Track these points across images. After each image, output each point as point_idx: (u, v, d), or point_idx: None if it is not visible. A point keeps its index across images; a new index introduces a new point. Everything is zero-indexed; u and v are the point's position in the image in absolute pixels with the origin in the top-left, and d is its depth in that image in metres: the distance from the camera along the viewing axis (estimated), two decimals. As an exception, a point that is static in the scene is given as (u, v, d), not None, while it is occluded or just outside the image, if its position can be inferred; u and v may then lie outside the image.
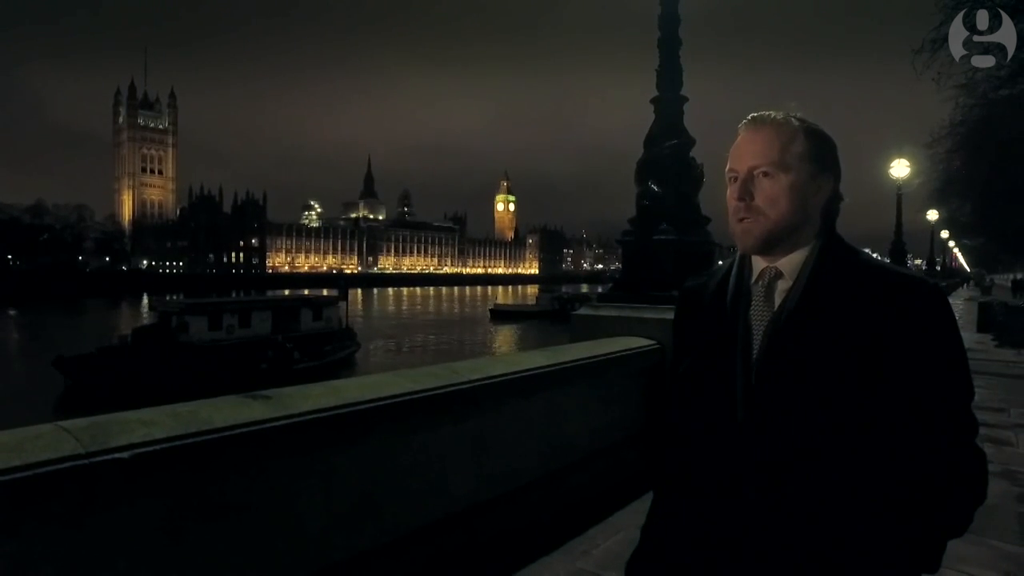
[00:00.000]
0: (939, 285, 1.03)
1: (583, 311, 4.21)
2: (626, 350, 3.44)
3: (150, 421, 1.48)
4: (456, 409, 2.26)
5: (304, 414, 1.71)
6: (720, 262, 1.22)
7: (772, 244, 1.07)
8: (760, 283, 1.08)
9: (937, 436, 0.96)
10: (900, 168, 16.99)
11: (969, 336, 12.47)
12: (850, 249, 1.07)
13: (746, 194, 1.06)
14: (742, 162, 1.06)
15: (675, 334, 1.26)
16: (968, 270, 73.21)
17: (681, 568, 1.09)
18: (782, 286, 1.06)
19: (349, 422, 1.83)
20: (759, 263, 1.09)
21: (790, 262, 1.06)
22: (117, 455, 1.33)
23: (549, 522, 2.79)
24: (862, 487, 0.97)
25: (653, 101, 4.45)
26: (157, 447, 1.40)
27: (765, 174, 1.04)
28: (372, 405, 1.90)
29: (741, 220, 1.07)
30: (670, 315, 4.03)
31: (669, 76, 4.40)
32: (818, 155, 1.04)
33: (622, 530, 2.95)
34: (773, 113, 1.07)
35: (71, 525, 1.30)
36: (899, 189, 17.42)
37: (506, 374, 2.48)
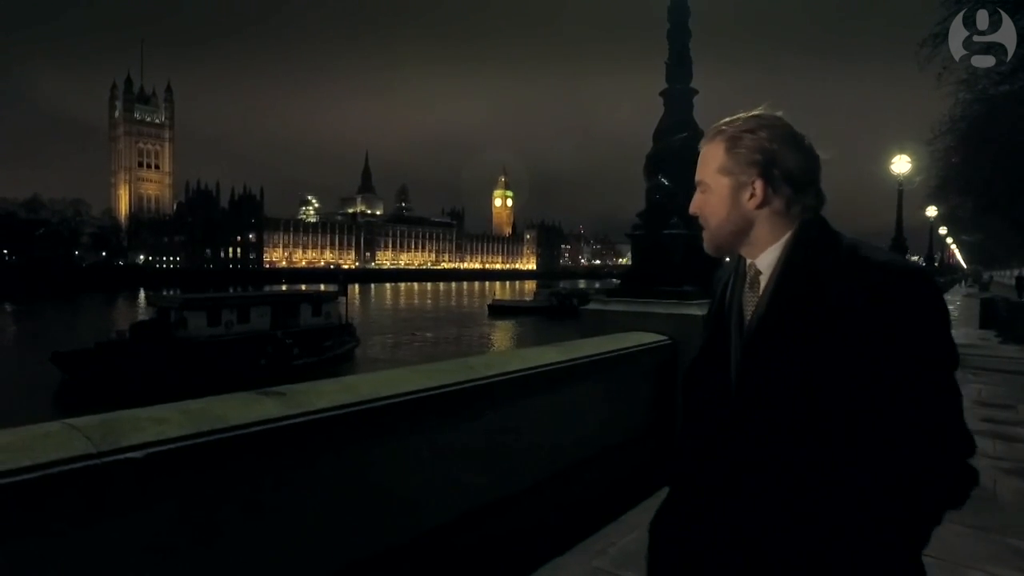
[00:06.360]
0: (920, 265, 1.03)
1: (592, 306, 4.16)
2: (638, 345, 3.39)
3: (161, 419, 1.42)
4: (472, 406, 2.20)
5: (320, 411, 1.65)
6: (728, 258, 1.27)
7: (724, 247, 1.15)
8: (748, 277, 1.14)
9: (919, 415, 0.95)
10: (901, 164, 16.97)
11: (972, 332, 12.47)
12: (827, 241, 1.06)
13: (696, 207, 1.17)
14: (696, 174, 1.17)
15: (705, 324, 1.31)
16: (965, 266, 73.31)
17: (681, 552, 1.12)
18: (762, 282, 1.10)
19: (365, 420, 1.77)
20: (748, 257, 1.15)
21: (764, 259, 1.10)
22: (130, 455, 1.27)
23: (563, 520, 2.74)
24: (843, 473, 0.96)
25: (662, 94, 4.38)
26: (171, 446, 1.34)
27: (702, 190, 1.15)
28: (388, 402, 1.84)
29: (702, 227, 1.18)
30: (680, 310, 3.98)
31: (678, 68, 4.34)
32: (738, 163, 1.09)
33: (636, 528, 2.90)
34: (720, 126, 1.13)
35: (82, 528, 1.24)
36: (900, 185, 17.39)
37: (521, 370, 2.42)
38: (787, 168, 1.07)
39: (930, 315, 0.98)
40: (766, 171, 1.07)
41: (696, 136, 4.53)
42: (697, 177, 1.16)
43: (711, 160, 1.12)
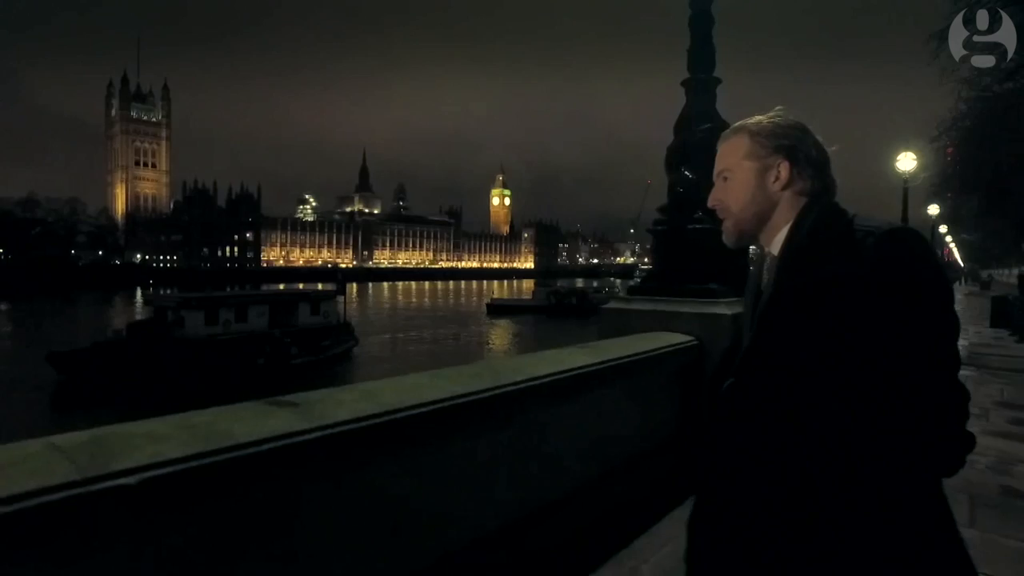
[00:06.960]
0: (909, 228, 1.05)
1: (612, 304, 3.95)
2: (666, 346, 3.19)
3: (160, 436, 1.22)
4: (501, 413, 2.00)
5: (341, 424, 1.45)
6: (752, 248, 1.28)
7: (747, 234, 1.18)
8: (766, 265, 1.17)
9: (916, 379, 0.95)
10: (906, 161, 16.77)
11: (985, 332, 12.28)
12: (828, 219, 1.08)
13: (715, 199, 1.21)
14: (714, 169, 1.22)
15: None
16: (962, 265, 73.24)
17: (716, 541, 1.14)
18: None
19: (390, 431, 1.56)
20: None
21: (776, 244, 1.15)
22: (121, 480, 1.07)
23: (594, 534, 2.55)
24: (841, 440, 0.97)
25: (684, 84, 4.18)
26: (169, 469, 1.13)
27: (725, 178, 1.19)
28: (415, 412, 1.63)
29: (721, 220, 1.21)
30: (707, 309, 3.77)
31: (701, 57, 4.13)
32: (764, 148, 1.14)
33: (669, 542, 2.71)
34: (741, 123, 1.20)
35: (61, 572, 1.04)
36: (905, 183, 17.19)
37: (552, 374, 2.21)
38: (808, 153, 1.14)
39: (921, 275, 0.98)
40: (791, 154, 1.13)
41: (719, 127, 4.33)
42: (718, 168, 1.20)
43: (736, 149, 1.17)
